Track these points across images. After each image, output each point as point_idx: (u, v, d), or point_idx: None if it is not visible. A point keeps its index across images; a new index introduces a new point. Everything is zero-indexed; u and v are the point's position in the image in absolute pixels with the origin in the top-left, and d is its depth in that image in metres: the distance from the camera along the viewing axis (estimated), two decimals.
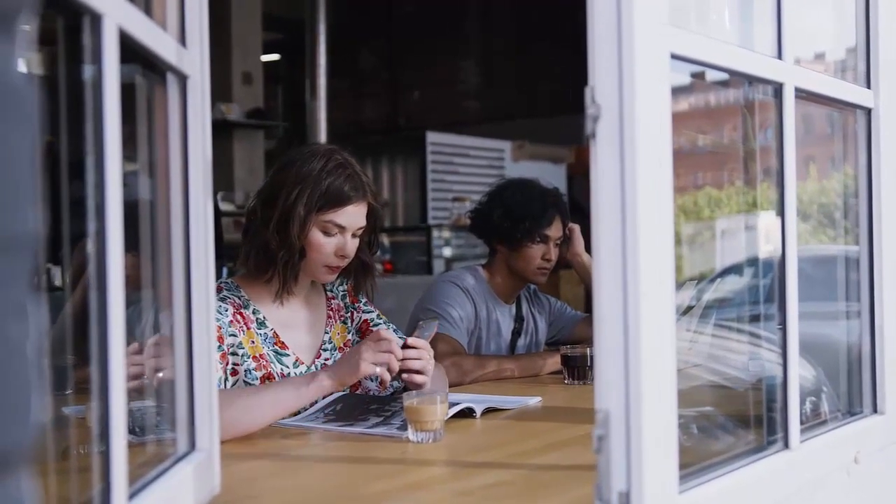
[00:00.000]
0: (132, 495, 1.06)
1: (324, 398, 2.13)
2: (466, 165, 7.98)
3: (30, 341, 0.56)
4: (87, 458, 1.37)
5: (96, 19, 0.98)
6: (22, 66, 0.58)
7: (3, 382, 0.54)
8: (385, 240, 7.60)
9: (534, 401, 2.33)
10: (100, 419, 0.98)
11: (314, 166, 2.17)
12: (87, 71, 1.00)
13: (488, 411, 2.15)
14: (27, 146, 0.56)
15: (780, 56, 1.51)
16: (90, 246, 0.98)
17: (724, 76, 1.56)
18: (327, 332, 2.34)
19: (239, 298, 2.20)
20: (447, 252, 7.34)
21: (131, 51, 1.10)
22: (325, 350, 2.32)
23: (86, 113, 1.00)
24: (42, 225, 0.59)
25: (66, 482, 1.13)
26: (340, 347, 2.35)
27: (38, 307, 0.58)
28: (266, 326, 2.22)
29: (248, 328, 2.18)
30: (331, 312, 2.37)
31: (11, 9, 0.56)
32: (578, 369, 2.63)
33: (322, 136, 8.52)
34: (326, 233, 2.19)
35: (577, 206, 5.93)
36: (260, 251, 2.20)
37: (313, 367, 2.26)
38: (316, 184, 2.15)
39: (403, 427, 1.88)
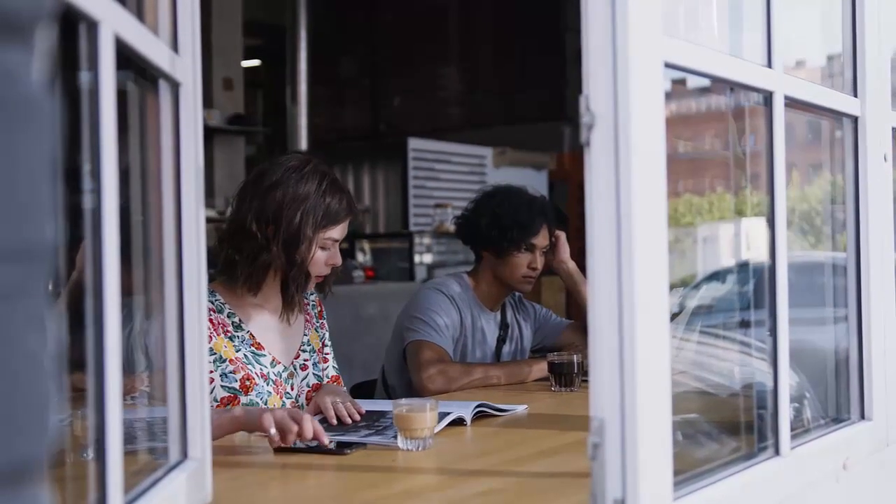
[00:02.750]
0: None
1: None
2: (448, 172, 7.97)
3: (47, 351, 0.56)
4: (77, 466, 1.36)
5: (93, 26, 0.97)
6: (39, 76, 0.57)
7: (22, 394, 0.54)
8: (366, 246, 7.58)
9: (520, 408, 2.33)
10: (96, 428, 0.97)
11: (310, 187, 2.23)
12: (83, 77, 0.99)
13: (479, 416, 2.15)
14: (45, 156, 0.55)
15: (769, 64, 1.52)
16: (87, 253, 0.97)
17: (704, 83, 1.57)
18: (306, 335, 2.41)
19: (213, 303, 2.23)
20: (429, 258, 7.32)
21: (124, 57, 1.09)
22: (304, 351, 2.40)
23: (81, 119, 0.99)
24: (58, 235, 0.59)
25: (57, 491, 1.12)
26: (318, 350, 2.43)
27: (55, 317, 0.57)
28: (242, 329, 2.27)
29: (219, 334, 2.22)
30: (308, 317, 2.45)
31: (29, 20, 0.56)
32: (565, 376, 2.63)
33: (303, 143, 8.50)
34: (324, 248, 2.27)
35: (559, 213, 5.93)
36: (262, 270, 2.24)
37: (291, 367, 2.33)
38: (318, 205, 2.23)
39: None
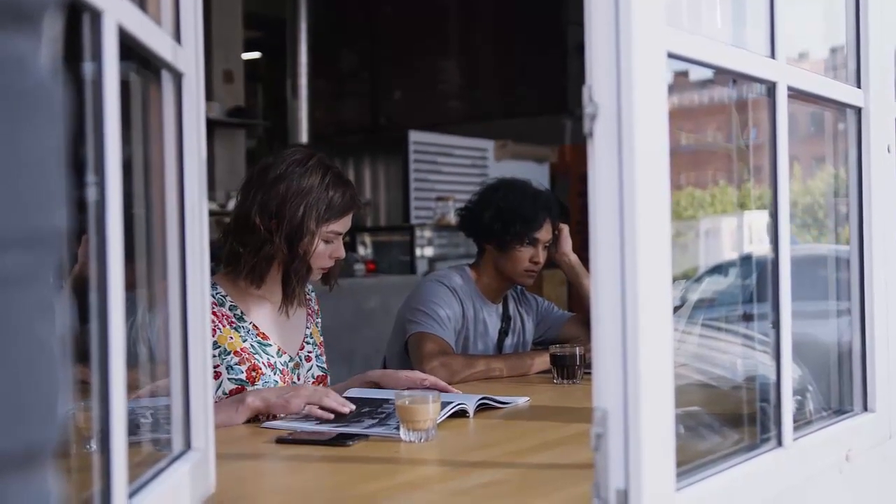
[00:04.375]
0: (131, 494, 1.05)
1: None
2: (449, 165, 7.96)
3: (56, 338, 0.56)
4: (80, 458, 1.36)
5: (96, 16, 0.97)
6: (48, 64, 0.57)
7: (32, 381, 0.54)
8: (367, 239, 7.58)
9: (522, 400, 2.33)
10: (100, 419, 0.97)
11: (313, 180, 2.24)
12: (86, 68, 0.99)
13: (481, 409, 2.15)
14: (55, 143, 0.55)
15: (772, 55, 1.51)
16: (91, 245, 0.97)
17: (707, 75, 1.57)
18: (308, 328, 2.44)
19: (213, 296, 2.23)
20: (430, 252, 7.32)
21: (126, 48, 1.09)
22: (307, 343, 2.42)
23: (84, 109, 0.99)
24: (67, 222, 0.58)
25: (62, 482, 1.12)
26: (318, 344, 2.46)
27: (63, 304, 0.57)
28: (245, 321, 2.28)
29: (224, 326, 2.24)
30: (309, 311, 2.47)
31: (37, 7, 0.56)
32: (567, 368, 2.63)
33: (303, 136, 8.49)
34: (327, 241, 2.29)
35: (562, 207, 5.93)
36: (265, 262, 2.25)
37: (297, 358, 2.36)
38: (321, 198, 2.24)
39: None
